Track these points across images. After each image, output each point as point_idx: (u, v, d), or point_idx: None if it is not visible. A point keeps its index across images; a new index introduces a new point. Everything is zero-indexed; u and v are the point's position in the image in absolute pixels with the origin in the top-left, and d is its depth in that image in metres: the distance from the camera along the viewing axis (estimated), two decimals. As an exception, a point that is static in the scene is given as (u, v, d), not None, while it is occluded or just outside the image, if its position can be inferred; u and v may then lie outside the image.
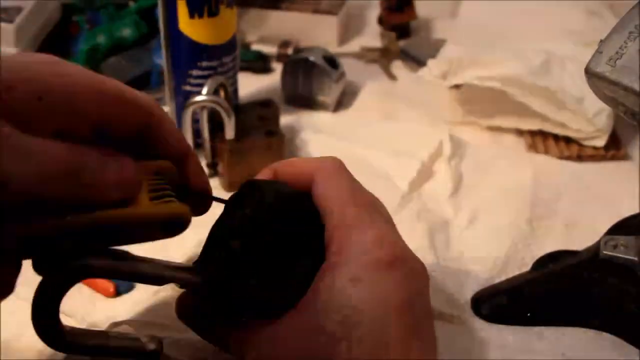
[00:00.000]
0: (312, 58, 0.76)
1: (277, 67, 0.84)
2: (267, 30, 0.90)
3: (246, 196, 0.38)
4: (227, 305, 0.38)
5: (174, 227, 0.35)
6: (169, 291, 0.52)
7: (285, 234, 0.37)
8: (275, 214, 0.37)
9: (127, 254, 0.37)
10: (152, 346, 0.39)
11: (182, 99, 0.67)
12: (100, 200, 0.32)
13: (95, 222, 0.32)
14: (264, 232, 0.37)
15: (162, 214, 0.34)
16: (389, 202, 0.62)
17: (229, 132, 0.63)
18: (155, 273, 0.36)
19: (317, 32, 0.90)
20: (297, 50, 0.86)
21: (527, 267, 0.55)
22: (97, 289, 0.53)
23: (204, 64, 0.66)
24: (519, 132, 0.74)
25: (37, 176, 0.29)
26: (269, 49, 0.87)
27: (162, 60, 0.68)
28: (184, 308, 0.41)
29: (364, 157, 0.68)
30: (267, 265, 0.37)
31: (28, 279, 0.55)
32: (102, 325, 0.49)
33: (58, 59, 0.35)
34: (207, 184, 0.42)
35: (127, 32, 0.78)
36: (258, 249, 0.37)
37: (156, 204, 0.34)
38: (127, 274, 0.36)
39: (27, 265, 0.56)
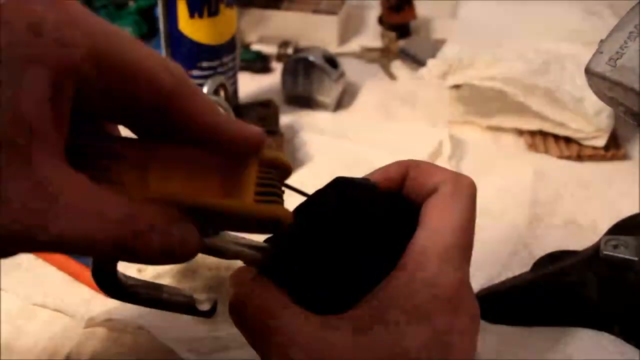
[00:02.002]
0: (312, 58, 0.76)
1: (277, 67, 0.84)
2: (267, 30, 0.90)
3: (331, 191, 0.37)
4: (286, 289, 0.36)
5: (271, 227, 0.34)
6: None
7: (358, 234, 0.36)
8: (355, 214, 0.36)
9: None
10: (205, 306, 0.38)
11: (182, 99, 0.67)
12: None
13: (195, 204, 0.31)
14: (339, 229, 0.36)
15: (261, 214, 0.33)
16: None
17: (229, 132, 0.63)
18: (220, 245, 0.35)
19: (317, 32, 0.90)
20: (297, 50, 0.86)
21: (527, 267, 0.55)
22: (97, 289, 0.53)
23: (204, 64, 0.66)
24: (519, 132, 0.74)
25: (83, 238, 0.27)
26: (269, 49, 0.87)
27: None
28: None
29: (364, 156, 0.68)
30: (334, 261, 0.36)
31: (28, 278, 0.55)
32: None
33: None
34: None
35: (127, 31, 0.78)
36: (328, 245, 0.36)
37: (259, 203, 0.33)
38: None
39: (25, 266, 0.57)
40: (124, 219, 0.28)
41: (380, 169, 0.39)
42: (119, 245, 0.28)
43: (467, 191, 0.36)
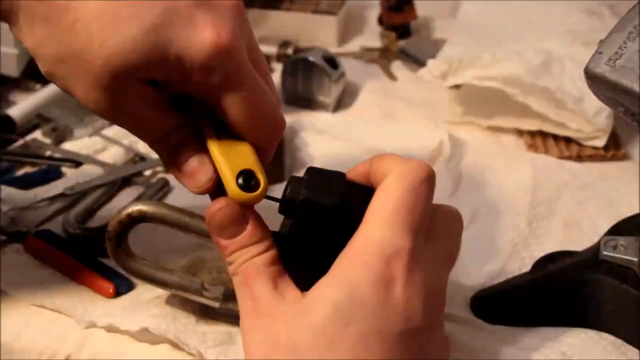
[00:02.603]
0: (312, 58, 0.76)
1: (277, 67, 0.84)
2: (267, 30, 0.90)
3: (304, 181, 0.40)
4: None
5: (249, 178, 0.38)
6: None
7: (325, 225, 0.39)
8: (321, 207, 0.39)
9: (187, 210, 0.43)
10: (214, 293, 0.44)
11: (182, 99, 0.67)
12: None
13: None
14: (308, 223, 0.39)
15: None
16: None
17: (229, 132, 0.63)
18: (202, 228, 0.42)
19: (317, 32, 0.90)
20: (297, 50, 0.86)
21: (527, 267, 0.55)
22: (97, 290, 0.53)
23: (204, 64, 0.66)
24: (519, 132, 0.74)
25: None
26: (269, 49, 0.87)
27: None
28: None
29: (364, 156, 0.68)
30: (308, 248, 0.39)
31: (28, 278, 0.55)
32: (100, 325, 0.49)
33: None
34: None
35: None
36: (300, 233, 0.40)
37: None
38: (177, 223, 0.42)
39: (25, 266, 0.57)
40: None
41: (354, 166, 0.42)
42: None
43: (413, 173, 0.38)
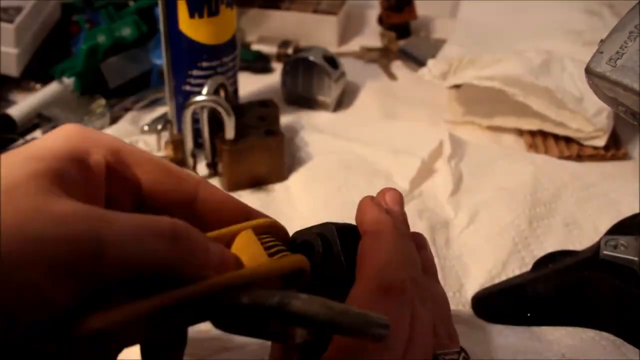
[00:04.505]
0: (312, 58, 0.76)
1: (277, 67, 0.84)
2: (267, 30, 0.90)
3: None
4: None
5: (295, 278, 0.34)
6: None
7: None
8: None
9: None
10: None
11: (182, 99, 0.67)
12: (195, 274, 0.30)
13: (212, 288, 0.30)
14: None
15: (284, 267, 0.34)
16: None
17: (229, 132, 0.63)
18: None
19: (317, 32, 0.90)
20: (297, 50, 0.86)
21: (527, 267, 0.55)
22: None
23: (204, 64, 0.66)
24: (519, 132, 0.74)
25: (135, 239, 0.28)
26: (269, 49, 0.87)
27: (162, 60, 0.68)
28: None
29: (364, 156, 0.68)
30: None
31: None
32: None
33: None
34: None
35: (126, 31, 0.78)
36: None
37: (275, 259, 0.34)
38: None
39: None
40: None
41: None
42: None
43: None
